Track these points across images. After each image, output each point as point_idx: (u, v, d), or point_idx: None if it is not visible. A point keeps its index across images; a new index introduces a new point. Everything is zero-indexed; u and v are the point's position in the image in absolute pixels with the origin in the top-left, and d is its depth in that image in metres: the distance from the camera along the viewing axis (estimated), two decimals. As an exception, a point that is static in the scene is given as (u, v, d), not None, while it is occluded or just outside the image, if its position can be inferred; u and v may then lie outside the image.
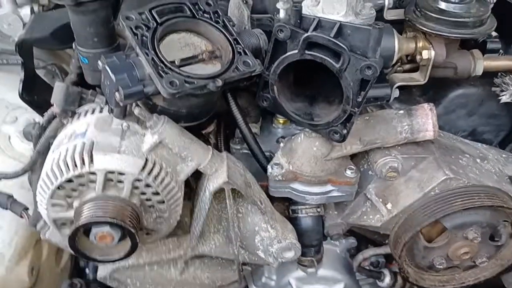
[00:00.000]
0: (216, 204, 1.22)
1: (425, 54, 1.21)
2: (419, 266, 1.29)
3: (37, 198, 1.07)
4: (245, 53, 1.08)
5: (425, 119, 1.16)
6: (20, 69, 1.25)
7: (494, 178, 1.25)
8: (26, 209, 1.26)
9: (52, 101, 1.12)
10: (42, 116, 1.19)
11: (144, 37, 1.02)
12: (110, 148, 1.03)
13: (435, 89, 1.37)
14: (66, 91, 1.11)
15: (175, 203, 1.10)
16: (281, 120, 1.33)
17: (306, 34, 1.00)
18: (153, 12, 1.05)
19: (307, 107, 1.16)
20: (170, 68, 0.99)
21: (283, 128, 1.34)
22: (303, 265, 1.35)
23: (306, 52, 1.02)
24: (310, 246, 1.33)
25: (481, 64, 1.28)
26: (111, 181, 1.03)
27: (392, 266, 1.53)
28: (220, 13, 1.12)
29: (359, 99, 1.03)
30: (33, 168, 1.21)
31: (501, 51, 1.42)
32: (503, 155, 1.36)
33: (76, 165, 1.00)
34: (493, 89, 1.34)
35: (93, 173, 1.01)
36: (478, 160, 1.28)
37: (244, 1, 1.20)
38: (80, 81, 1.21)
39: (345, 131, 1.10)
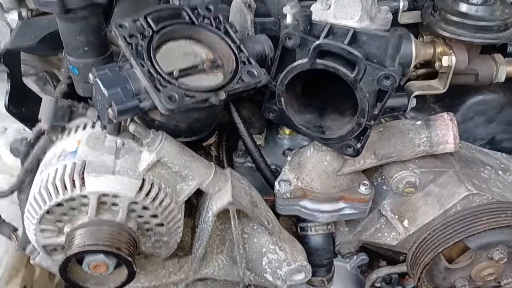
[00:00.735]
0: (219, 224, 1.15)
1: (445, 61, 1.13)
2: (439, 287, 1.20)
3: (25, 223, 1.01)
4: (250, 62, 1.01)
5: (445, 131, 1.09)
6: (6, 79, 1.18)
7: (518, 192, 1.17)
8: (16, 230, 1.21)
9: (40, 116, 1.05)
10: (31, 129, 1.12)
11: (139, 47, 0.94)
12: (104, 169, 0.96)
13: (452, 95, 1.29)
14: (55, 105, 1.05)
15: (175, 225, 1.04)
16: (287, 131, 1.27)
17: (317, 42, 0.92)
18: (149, 18, 0.98)
19: (317, 119, 1.09)
20: (168, 81, 0.92)
21: (289, 139, 1.29)
22: (313, 285, 1.28)
23: (317, 61, 0.93)
24: (321, 265, 1.27)
25: (504, 70, 1.20)
26: (104, 204, 0.96)
27: (406, 281, 1.46)
28: (221, 19, 1.05)
29: (375, 112, 0.95)
30: (21, 187, 1.14)
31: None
32: (525, 165, 1.28)
33: (66, 188, 0.94)
34: (515, 95, 1.26)
35: (85, 196, 0.94)
36: (500, 172, 1.21)
37: (247, 5, 1.11)
38: (71, 92, 1.13)
39: (359, 145, 1.03)
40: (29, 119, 1.20)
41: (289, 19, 1.04)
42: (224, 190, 1.05)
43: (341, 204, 1.14)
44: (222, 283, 1.22)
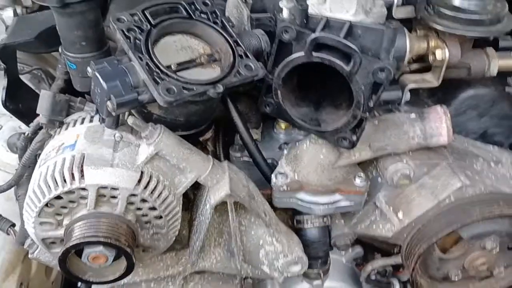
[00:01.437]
0: (217, 217, 1.16)
1: (438, 54, 1.15)
2: (432, 277, 1.23)
3: (24, 216, 1.01)
4: (247, 56, 1.01)
5: (439, 123, 1.11)
6: (3, 76, 1.18)
7: (510, 183, 1.19)
8: (13, 225, 1.21)
9: (38, 110, 1.05)
10: (28, 125, 1.12)
11: (137, 41, 0.95)
12: (102, 161, 0.96)
13: (444, 90, 1.30)
14: (52, 100, 1.05)
15: (173, 218, 1.04)
16: (283, 125, 1.27)
17: (313, 35, 0.93)
18: (146, 13, 0.99)
19: (313, 112, 1.11)
20: (166, 74, 0.93)
21: (285, 134, 1.28)
22: (309, 278, 1.28)
23: (314, 54, 0.95)
24: (317, 258, 1.27)
25: (496, 63, 1.22)
26: (103, 197, 0.96)
27: (400, 274, 1.47)
28: (218, 13, 1.05)
29: (371, 104, 0.97)
30: (19, 182, 1.14)
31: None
32: (517, 158, 1.30)
33: (65, 181, 0.94)
34: (507, 89, 1.27)
35: (84, 189, 0.94)
36: (493, 164, 1.22)
37: (243, 0, 1.12)
38: (68, 88, 1.14)
39: (354, 138, 1.04)
40: (26, 115, 1.20)
41: (285, 14, 1.04)
42: (222, 182, 1.05)
43: (337, 197, 1.15)
44: (219, 275, 1.22)
